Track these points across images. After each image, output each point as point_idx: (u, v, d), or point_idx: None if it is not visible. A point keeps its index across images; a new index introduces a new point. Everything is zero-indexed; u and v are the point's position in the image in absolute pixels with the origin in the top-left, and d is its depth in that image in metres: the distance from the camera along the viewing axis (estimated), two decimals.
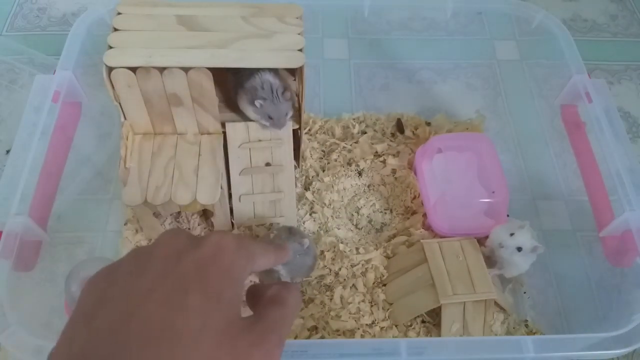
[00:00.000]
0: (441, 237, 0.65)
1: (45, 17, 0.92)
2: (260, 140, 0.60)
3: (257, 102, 0.56)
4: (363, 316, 0.60)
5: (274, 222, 0.66)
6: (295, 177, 0.70)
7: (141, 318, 0.23)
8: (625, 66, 0.89)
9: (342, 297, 0.61)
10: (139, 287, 0.25)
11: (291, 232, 0.60)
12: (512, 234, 0.58)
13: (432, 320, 0.61)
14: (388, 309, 0.61)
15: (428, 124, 0.79)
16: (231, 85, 0.59)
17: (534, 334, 0.62)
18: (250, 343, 0.26)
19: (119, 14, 0.56)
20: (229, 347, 0.25)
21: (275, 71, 0.57)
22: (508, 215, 0.68)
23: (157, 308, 0.24)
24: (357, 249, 0.65)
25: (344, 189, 0.71)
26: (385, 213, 0.70)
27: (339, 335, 0.59)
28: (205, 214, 0.67)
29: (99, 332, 0.23)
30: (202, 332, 0.24)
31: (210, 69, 0.53)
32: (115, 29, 0.55)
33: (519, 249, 0.58)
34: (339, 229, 0.67)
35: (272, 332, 0.28)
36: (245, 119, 0.59)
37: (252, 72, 0.56)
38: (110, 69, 0.52)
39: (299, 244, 0.57)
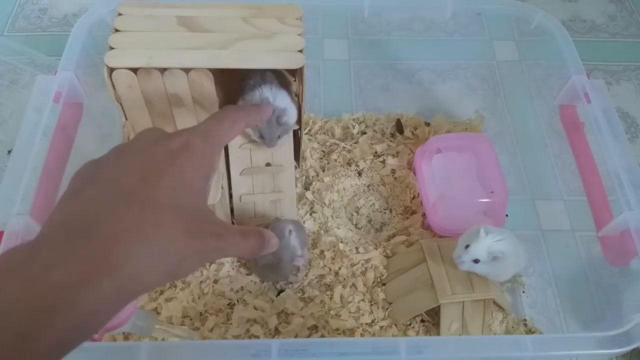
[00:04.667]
0: (440, 237, 0.65)
1: (46, 18, 0.92)
2: None
3: None
4: (363, 315, 0.60)
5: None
6: (296, 177, 0.70)
7: (125, 189, 0.27)
8: (624, 66, 0.90)
9: (342, 297, 0.62)
10: (123, 167, 0.28)
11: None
12: (467, 246, 0.55)
13: (431, 320, 0.61)
14: (387, 308, 0.61)
15: (427, 124, 0.79)
16: (237, 93, 0.60)
17: (533, 333, 0.62)
18: (211, 233, 0.29)
19: (120, 14, 0.57)
20: (197, 232, 0.28)
21: (276, 87, 0.57)
22: (507, 215, 0.68)
23: (138, 182, 0.27)
24: (356, 248, 0.65)
25: (344, 189, 0.71)
26: (385, 213, 0.71)
27: (339, 334, 0.59)
28: None
29: (87, 200, 0.27)
30: (176, 211, 0.27)
31: (211, 69, 0.53)
32: (116, 30, 0.55)
33: (476, 261, 0.55)
34: (338, 228, 0.68)
35: (224, 231, 0.30)
36: None
37: (254, 85, 0.56)
38: (111, 70, 0.52)
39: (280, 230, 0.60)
